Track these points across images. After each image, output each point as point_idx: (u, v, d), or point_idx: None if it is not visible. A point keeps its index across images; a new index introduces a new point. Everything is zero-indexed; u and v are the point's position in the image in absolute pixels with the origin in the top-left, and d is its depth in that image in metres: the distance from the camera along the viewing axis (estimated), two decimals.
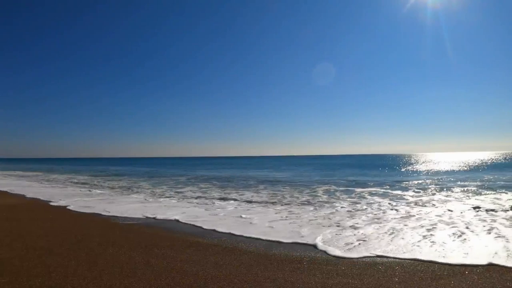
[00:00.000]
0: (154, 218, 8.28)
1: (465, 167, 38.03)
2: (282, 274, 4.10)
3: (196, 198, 12.79)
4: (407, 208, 9.59)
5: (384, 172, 30.22)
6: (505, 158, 67.35)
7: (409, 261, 4.63)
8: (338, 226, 7.13)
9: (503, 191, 13.88)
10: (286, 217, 8.30)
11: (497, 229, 6.56)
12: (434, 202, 10.82)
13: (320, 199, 11.94)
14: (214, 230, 6.79)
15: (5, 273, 3.93)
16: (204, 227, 7.14)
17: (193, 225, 7.36)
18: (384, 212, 8.81)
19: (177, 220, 7.92)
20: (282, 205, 10.60)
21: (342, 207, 9.84)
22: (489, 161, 55.82)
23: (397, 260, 4.70)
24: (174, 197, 13.21)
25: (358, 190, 14.97)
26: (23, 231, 6.40)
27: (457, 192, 13.71)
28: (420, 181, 19.44)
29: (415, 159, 79.94)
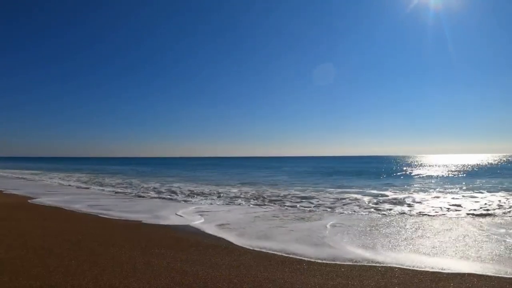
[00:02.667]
0: (150, 217, 8.30)
1: (463, 170, 37.87)
2: (281, 275, 4.10)
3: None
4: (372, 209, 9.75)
5: (382, 175, 30.20)
6: (507, 161, 66.52)
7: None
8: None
9: (481, 193, 13.82)
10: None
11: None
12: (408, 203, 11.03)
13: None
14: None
15: (5, 273, 3.93)
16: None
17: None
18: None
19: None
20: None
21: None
22: (489, 163, 55.59)
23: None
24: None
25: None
26: (23, 230, 6.40)
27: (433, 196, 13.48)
28: (409, 185, 19.24)
29: (415, 161, 79.74)
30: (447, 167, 46.63)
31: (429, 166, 52.58)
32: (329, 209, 9.77)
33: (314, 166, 52.67)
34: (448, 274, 4.16)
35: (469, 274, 4.14)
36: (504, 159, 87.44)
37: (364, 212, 9.26)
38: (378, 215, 8.78)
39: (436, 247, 5.49)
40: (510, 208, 9.56)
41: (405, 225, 7.39)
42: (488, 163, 59.57)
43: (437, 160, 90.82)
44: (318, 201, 11.40)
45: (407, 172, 33.83)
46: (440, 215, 8.77)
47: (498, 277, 4.06)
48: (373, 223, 7.64)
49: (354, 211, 9.33)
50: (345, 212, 9.27)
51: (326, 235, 6.41)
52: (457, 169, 39.90)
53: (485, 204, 10.58)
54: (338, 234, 6.50)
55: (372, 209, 9.62)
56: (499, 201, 11.27)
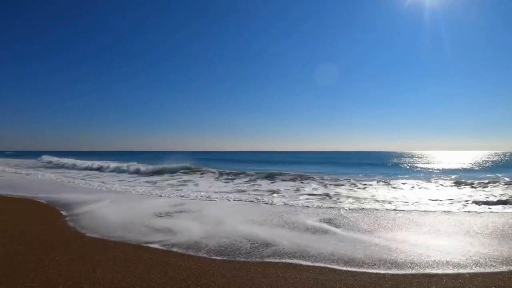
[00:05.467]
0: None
1: (446, 164, 37.69)
2: (274, 270, 4.10)
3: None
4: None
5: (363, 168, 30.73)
6: (501, 159, 64.78)
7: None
8: None
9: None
10: None
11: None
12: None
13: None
14: None
15: (1, 267, 3.94)
16: None
17: None
18: None
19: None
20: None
21: None
22: (473, 160, 54.73)
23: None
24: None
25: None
26: (23, 226, 6.41)
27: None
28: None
29: (407, 157, 78.81)
30: (432, 163, 46.15)
31: (419, 161, 52.67)
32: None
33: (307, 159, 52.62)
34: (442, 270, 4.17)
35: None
36: (495, 156, 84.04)
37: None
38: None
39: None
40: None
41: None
42: (473, 160, 58.08)
43: (431, 156, 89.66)
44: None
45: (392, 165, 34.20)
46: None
47: (493, 272, 4.07)
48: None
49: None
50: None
51: None
52: (439, 163, 39.97)
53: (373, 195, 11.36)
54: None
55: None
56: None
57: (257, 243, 5.35)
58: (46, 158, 43.49)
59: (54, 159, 40.41)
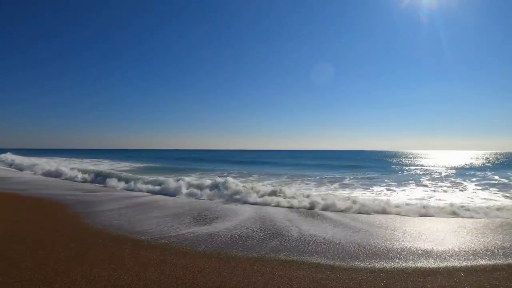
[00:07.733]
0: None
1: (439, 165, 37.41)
2: (270, 268, 4.13)
3: None
4: None
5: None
6: (494, 159, 63.30)
7: None
8: None
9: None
10: None
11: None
12: None
13: None
14: None
15: (2, 266, 3.95)
16: None
17: None
18: None
19: None
20: None
21: None
22: (477, 160, 54.68)
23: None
24: None
25: None
26: (23, 226, 6.37)
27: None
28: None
29: (402, 156, 78.31)
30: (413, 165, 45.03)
31: (407, 161, 52.50)
32: None
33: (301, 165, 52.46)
34: (437, 268, 4.22)
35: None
36: (490, 156, 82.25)
37: None
38: None
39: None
40: None
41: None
42: (468, 159, 57.45)
43: (429, 155, 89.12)
44: None
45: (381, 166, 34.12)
46: None
47: (486, 270, 4.12)
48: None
49: None
50: None
51: None
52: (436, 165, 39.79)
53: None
54: None
55: None
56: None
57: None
58: (7, 156, 34.55)
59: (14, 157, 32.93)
